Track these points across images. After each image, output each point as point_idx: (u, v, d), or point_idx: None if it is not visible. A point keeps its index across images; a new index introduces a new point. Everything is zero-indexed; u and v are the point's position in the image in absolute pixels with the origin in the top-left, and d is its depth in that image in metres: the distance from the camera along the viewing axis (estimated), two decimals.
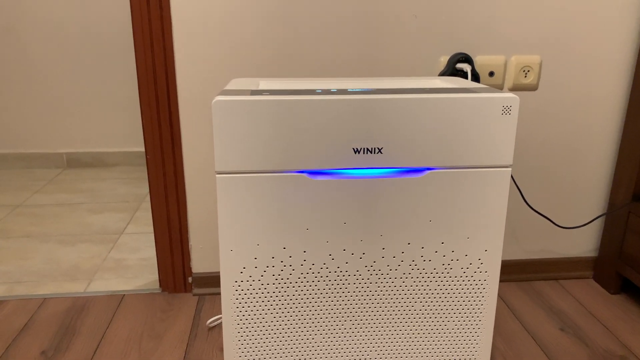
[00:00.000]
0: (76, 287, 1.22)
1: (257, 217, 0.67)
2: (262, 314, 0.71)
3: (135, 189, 1.94)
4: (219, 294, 1.20)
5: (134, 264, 1.34)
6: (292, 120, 0.63)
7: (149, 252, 1.41)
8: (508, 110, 0.65)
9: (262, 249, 0.68)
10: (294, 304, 0.71)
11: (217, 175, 0.64)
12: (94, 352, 0.98)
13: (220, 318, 1.08)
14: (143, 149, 2.22)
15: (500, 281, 1.25)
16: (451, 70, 1.07)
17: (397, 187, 0.67)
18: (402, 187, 0.67)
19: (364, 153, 0.65)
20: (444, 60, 1.07)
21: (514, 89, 1.11)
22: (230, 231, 0.67)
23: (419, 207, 0.69)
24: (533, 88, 1.11)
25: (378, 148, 0.65)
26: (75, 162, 2.22)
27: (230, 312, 0.70)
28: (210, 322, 1.07)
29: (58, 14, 2.06)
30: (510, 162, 0.68)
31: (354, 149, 0.65)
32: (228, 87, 0.73)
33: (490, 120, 0.66)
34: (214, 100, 0.62)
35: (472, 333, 0.76)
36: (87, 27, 2.08)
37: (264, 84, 0.78)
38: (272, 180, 0.66)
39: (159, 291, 1.20)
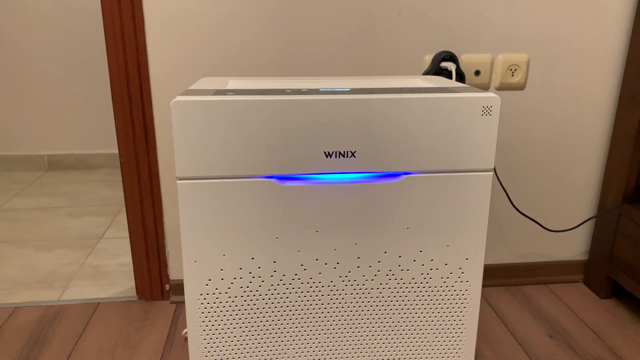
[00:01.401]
0: (50, 295, 1.18)
1: (223, 226, 0.63)
2: (230, 329, 0.67)
3: (118, 192, 1.90)
4: None
5: (112, 270, 1.30)
6: (258, 122, 0.59)
7: (128, 257, 1.37)
8: (488, 111, 0.61)
9: (229, 259, 0.64)
10: (264, 317, 0.67)
11: (178, 182, 0.60)
12: None
13: None
14: None
15: (488, 286, 1.22)
16: (436, 69, 1.03)
17: (371, 192, 0.64)
18: (377, 192, 0.64)
19: (336, 157, 0.62)
20: (428, 58, 1.04)
21: (501, 88, 1.07)
22: (194, 241, 0.63)
23: (396, 214, 0.65)
24: (520, 87, 1.08)
25: (351, 151, 0.62)
26: (57, 164, 2.17)
27: (196, 327, 0.66)
28: (186, 332, 1.03)
29: (39, 15, 2.01)
30: (492, 166, 0.64)
31: (325, 152, 0.61)
32: (194, 86, 0.69)
33: (469, 121, 0.62)
34: (173, 101, 0.57)
35: (454, 345, 0.73)
36: (69, 28, 2.04)
37: (233, 83, 0.74)
38: (237, 186, 0.61)
39: (136, 299, 1.16)
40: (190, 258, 0.64)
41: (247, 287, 0.66)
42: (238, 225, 0.63)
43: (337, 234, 0.65)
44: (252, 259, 0.65)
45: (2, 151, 2.14)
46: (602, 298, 1.17)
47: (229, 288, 0.66)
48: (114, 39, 0.98)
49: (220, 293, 0.66)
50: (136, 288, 1.16)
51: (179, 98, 0.58)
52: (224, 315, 0.67)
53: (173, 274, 1.15)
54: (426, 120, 0.61)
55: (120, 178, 2.06)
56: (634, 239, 1.05)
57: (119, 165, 2.21)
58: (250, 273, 0.65)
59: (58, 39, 2.05)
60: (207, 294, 0.65)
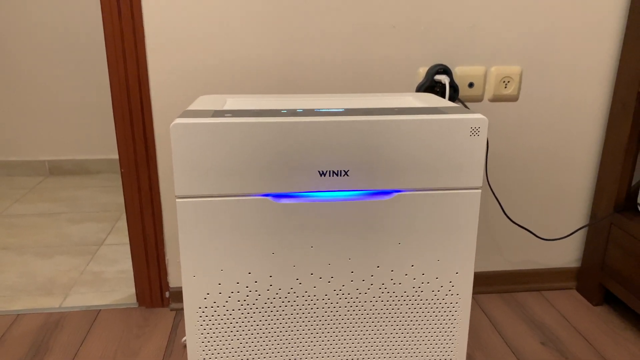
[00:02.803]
0: (51, 302, 1.20)
1: (221, 242, 0.65)
2: (228, 341, 0.70)
3: (118, 198, 1.92)
4: None
5: (112, 277, 1.32)
6: (254, 143, 0.61)
7: (128, 264, 1.39)
8: (476, 131, 0.63)
9: (227, 274, 0.66)
10: (261, 329, 0.70)
11: (177, 200, 0.62)
12: None
13: None
14: None
15: (482, 293, 1.24)
16: (430, 81, 1.05)
17: (364, 209, 0.66)
18: (369, 209, 0.66)
19: (330, 176, 0.64)
20: (422, 71, 1.06)
21: (494, 100, 1.09)
22: (193, 256, 0.65)
23: (388, 230, 0.67)
24: (513, 99, 1.10)
25: (344, 170, 0.64)
26: (57, 169, 2.19)
27: (195, 339, 0.68)
28: (185, 340, 1.05)
29: (40, 21, 2.03)
30: (480, 184, 0.66)
31: (319, 171, 0.63)
32: (192, 106, 0.71)
33: (458, 141, 0.64)
34: (172, 124, 0.60)
35: (445, 355, 0.75)
36: (70, 34, 2.05)
37: (231, 102, 0.76)
38: (235, 204, 0.64)
39: (136, 306, 1.18)
40: (189, 272, 0.66)
41: (245, 300, 0.68)
42: (235, 241, 0.65)
43: (331, 249, 0.67)
44: (249, 273, 0.67)
45: (3, 156, 2.16)
46: (594, 305, 1.19)
47: (227, 301, 0.68)
48: (114, 53, 1.00)
49: (218, 306, 0.68)
50: (136, 295, 1.18)
51: (178, 120, 0.60)
52: (222, 328, 0.69)
53: (173, 282, 1.17)
54: (417, 141, 0.64)
55: (120, 183, 2.08)
56: (625, 247, 1.07)
57: (118, 170, 2.23)
58: (247, 287, 0.68)
59: (58, 45, 2.06)
60: (206, 307, 0.67)
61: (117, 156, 2.21)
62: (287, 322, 0.70)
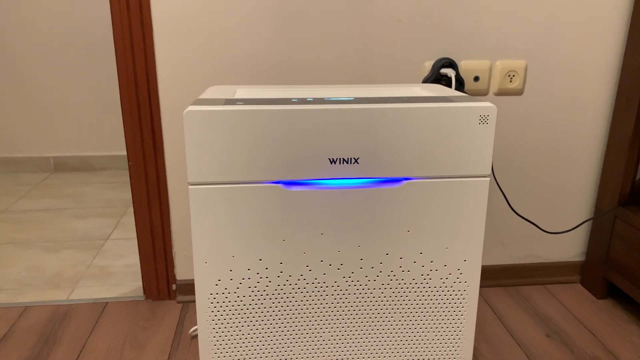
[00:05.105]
0: (59, 295, 1.21)
1: (232, 229, 0.66)
2: (239, 327, 0.70)
3: (123, 194, 1.92)
4: None
5: (118, 271, 1.33)
6: (266, 131, 0.62)
7: (134, 258, 1.40)
8: (485, 119, 0.64)
9: (238, 260, 0.67)
10: (271, 316, 0.70)
11: (189, 187, 0.63)
12: None
13: None
14: None
15: (487, 286, 1.25)
16: (435, 75, 1.06)
17: (374, 197, 0.66)
18: (379, 197, 0.66)
19: (340, 163, 0.64)
20: (428, 65, 1.07)
21: (499, 94, 1.10)
22: (204, 243, 0.66)
23: (397, 218, 0.68)
24: (518, 93, 1.11)
25: (354, 158, 0.64)
26: (62, 166, 2.20)
27: (206, 325, 0.69)
28: (193, 331, 1.06)
29: (45, 17, 2.04)
30: (489, 172, 0.67)
31: (329, 159, 0.64)
32: (203, 95, 0.71)
33: (467, 129, 0.65)
34: (185, 111, 0.60)
35: (453, 343, 0.75)
36: (75, 30, 2.06)
37: (241, 92, 0.77)
38: (246, 191, 0.64)
39: (143, 299, 1.19)
40: (201, 259, 0.67)
41: (255, 287, 0.69)
42: (246, 228, 0.66)
43: (340, 236, 0.68)
44: (260, 260, 0.68)
45: (8, 153, 2.17)
46: (598, 298, 1.19)
47: (238, 288, 0.69)
48: (123, 47, 1.01)
49: (229, 293, 0.69)
50: (143, 288, 1.19)
51: (191, 108, 0.61)
52: (233, 314, 0.70)
53: (180, 275, 1.17)
54: (426, 129, 0.64)
55: (124, 180, 2.09)
56: (629, 241, 1.08)
57: (122, 167, 2.24)
58: (258, 274, 0.68)
59: (63, 41, 2.08)
60: (217, 294, 0.68)
61: (122, 153, 2.22)
62: (297, 308, 0.71)
